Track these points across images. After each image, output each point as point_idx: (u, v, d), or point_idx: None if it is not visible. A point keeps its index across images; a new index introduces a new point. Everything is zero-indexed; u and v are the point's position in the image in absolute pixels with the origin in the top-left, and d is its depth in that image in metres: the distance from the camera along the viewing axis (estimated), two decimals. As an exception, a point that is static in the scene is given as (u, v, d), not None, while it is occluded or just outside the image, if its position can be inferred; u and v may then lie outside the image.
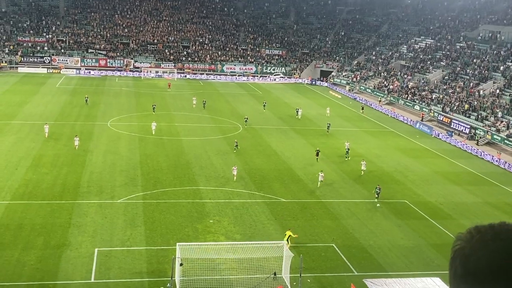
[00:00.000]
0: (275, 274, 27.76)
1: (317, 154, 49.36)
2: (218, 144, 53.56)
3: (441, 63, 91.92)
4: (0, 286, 25.58)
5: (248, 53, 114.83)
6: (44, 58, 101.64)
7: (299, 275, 26.84)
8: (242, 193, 39.97)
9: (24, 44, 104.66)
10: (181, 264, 26.41)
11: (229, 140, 54.92)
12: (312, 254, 30.53)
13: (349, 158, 50.24)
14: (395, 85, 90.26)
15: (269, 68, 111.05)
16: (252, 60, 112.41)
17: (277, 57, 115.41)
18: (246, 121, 61.93)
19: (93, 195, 37.64)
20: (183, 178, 42.17)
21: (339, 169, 47.03)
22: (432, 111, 74.90)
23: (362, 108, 77.88)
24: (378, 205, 38.87)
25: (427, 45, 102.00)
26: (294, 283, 27.17)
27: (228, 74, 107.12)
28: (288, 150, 52.96)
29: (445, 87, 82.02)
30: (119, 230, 32.18)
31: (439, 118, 72.45)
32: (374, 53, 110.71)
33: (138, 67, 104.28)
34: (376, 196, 39.91)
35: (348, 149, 51.16)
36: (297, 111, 69.27)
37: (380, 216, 37.48)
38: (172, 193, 38.93)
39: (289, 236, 30.30)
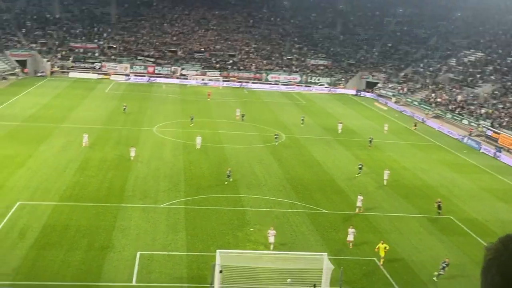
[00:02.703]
0: (314, 286, 27.57)
1: (360, 169, 48.27)
2: (260, 153, 53.71)
3: (491, 77, 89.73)
4: (45, 285, 26.29)
5: (293, 62, 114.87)
6: (95, 64, 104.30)
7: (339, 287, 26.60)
8: (283, 203, 39.92)
9: (76, 50, 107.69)
10: (220, 271, 26.54)
11: (271, 148, 55.00)
12: (353, 267, 30.18)
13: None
14: (443, 98, 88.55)
15: (313, 78, 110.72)
16: (297, 69, 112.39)
17: (322, 67, 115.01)
18: (276, 138, 57.78)
19: (137, 199, 38.31)
20: (225, 185, 42.45)
21: (381, 180, 46.36)
22: (480, 126, 73.12)
23: (415, 125, 74.30)
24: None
25: (477, 58, 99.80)
26: (334, 296, 26.91)
27: (273, 83, 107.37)
28: (330, 161, 52.64)
29: (494, 101, 79.97)
30: (161, 234, 32.62)
31: (487, 133, 70.65)
32: (422, 65, 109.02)
33: (184, 75, 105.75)
34: (439, 211, 39.26)
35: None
36: (338, 125, 67.04)
37: (424, 231, 36.76)
38: (213, 200, 39.23)
39: (384, 248, 30.52)
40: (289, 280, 27.98)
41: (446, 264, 29.54)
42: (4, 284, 26.25)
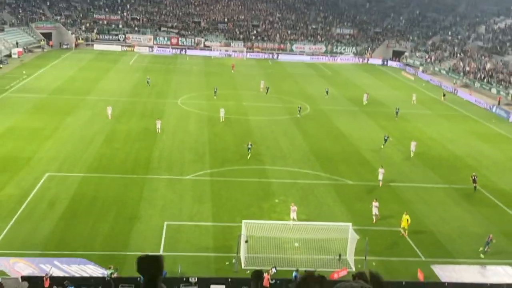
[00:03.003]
0: (340, 255, 27.63)
1: (386, 140, 47.26)
2: (285, 125, 53.51)
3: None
4: (74, 254, 26.83)
5: (319, 32, 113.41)
6: (119, 36, 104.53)
7: (364, 258, 26.60)
8: (308, 174, 39.85)
9: (100, 22, 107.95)
10: (246, 241, 26.75)
11: (296, 121, 54.74)
12: (378, 238, 30.10)
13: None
14: (472, 67, 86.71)
15: (339, 47, 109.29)
16: (322, 39, 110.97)
17: (348, 36, 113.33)
18: (299, 110, 57.25)
19: (163, 170, 38.63)
20: (250, 157, 42.48)
21: (408, 152, 45.87)
22: (510, 95, 71.55)
23: (444, 95, 73.13)
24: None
25: (507, 25, 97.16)
26: (359, 266, 26.95)
27: (297, 53, 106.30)
28: (356, 132, 52.20)
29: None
30: (187, 205, 32.93)
31: (517, 102, 69.15)
32: (450, 33, 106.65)
33: (208, 46, 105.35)
34: (474, 185, 38.32)
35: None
36: (365, 96, 66.05)
37: (450, 202, 36.41)
38: (238, 172, 39.34)
39: (407, 220, 30.36)
40: (296, 244, 28.23)
41: (490, 240, 29.18)
42: (34, 253, 26.88)
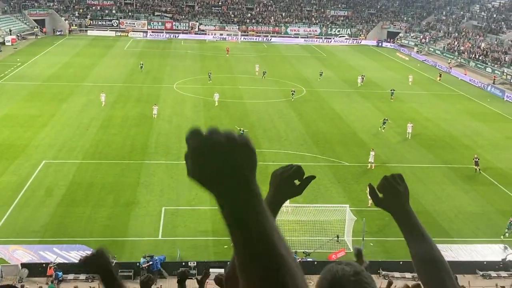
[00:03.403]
0: (337, 237, 27.86)
1: (384, 123, 46.90)
2: (281, 107, 53.51)
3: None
4: (73, 241, 27.01)
5: (313, 14, 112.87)
6: (112, 21, 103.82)
7: (361, 238, 26.84)
8: (305, 156, 39.98)
9: (93, 8, 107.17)
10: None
11: (292, 103, 54.74)
12: (375, 218, 30.29)
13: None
14: (466, 46, 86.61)
15: (334, 29, 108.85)
16: (317, 21, 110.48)
17: (342, 18, 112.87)
18: (292, 93, 56.57)
19: (160, 155, 38.71)
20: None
21: (404, 133, 46.02)
22: (505, 74, 71.61)
23: (440, 75, 72.66)
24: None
25: (501, 4, 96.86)
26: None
27: (292, 36, 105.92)
28: (352, 114, 52.27)
29: (520, 48, 78.05)
30: (185, 190, 33.02)
31: (512, 81, 69.28)
32: (444, 13, 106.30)
33: (203, 30, 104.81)
34: (476, 167, 38.02)
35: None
36: (362, 77, 66.00)
37: (447, 181, 36.65)
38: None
39: None
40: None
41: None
42: (33, 241, 27.03)
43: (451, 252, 27.18)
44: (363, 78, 65.96)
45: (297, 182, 2.46)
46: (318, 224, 28.43)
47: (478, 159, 38.41)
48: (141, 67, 67.84)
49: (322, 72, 69.08)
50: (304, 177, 2.45)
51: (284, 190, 2.47)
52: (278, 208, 2.48)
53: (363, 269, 2.11)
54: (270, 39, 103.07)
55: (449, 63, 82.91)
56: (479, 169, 38.05)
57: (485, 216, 31.61)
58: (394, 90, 59.16)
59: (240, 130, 41.60)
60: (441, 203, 33.14)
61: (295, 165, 2.47)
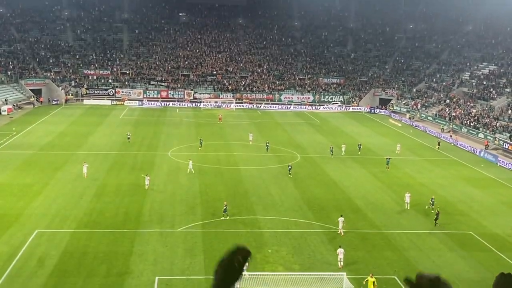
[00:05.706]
0: (335, 306, 27.23)
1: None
2: (276, 173, 53.59)
3: (506, 89, 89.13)
4: (64, 312, 26.29)
5: (306, 82, 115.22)
6: (108, 90, 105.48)
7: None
8: (300, 223, 39.67)
9: (89, 77, 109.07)
10: (239, 294, 26.35)
11: (286, 169, 54.78)
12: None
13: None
14: (458, 112, 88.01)
15: (327, 96, 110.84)
16: (310, 89, 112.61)
17: (335, 85, 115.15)
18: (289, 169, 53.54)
19: (154, 223, 38.31)
20: (242, 207, 42.32)
21: (400, 199, 45.95)
22: (497, 139, 72.45)
23: (438, 144, 71.96)
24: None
25: (491, 71, 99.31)
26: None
27: (286, 103, 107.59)
28: (346, 180, 52.34)
29: (510, 112, 79.30)
30: (179, 258, 32.53)
31: (504, 146, 69.97)
32: (435, 80, 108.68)
33: (197, 98, 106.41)
34: (436, 218, 40.06)
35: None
36: (342, 148, 64.28)
37: (444, 248, 36.27)
38: (230, 222, 39.09)
39: (373, 282, 28.20)
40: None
41: None
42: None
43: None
44: (345, 147, 64.40)
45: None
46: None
47: (434, 199, 42.93)
48: (128, 138, 66.05)
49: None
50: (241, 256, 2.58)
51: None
52: None
53: None
54: (265, 107, 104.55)
55: (442, 129, 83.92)
56: (434, 208, 40.70)
57: (484, 283, 31.08)
58: (390, 158, 58.46)
59: (224, 206, 40.03)
60: (439, 270, 32.62)
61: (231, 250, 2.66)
